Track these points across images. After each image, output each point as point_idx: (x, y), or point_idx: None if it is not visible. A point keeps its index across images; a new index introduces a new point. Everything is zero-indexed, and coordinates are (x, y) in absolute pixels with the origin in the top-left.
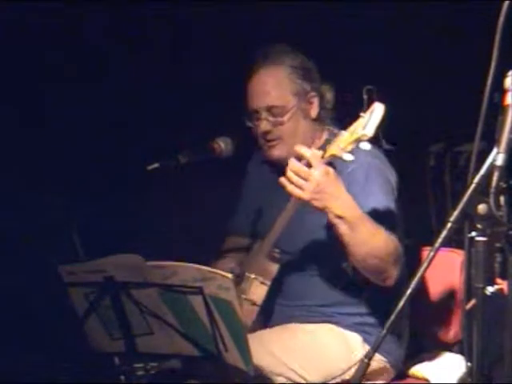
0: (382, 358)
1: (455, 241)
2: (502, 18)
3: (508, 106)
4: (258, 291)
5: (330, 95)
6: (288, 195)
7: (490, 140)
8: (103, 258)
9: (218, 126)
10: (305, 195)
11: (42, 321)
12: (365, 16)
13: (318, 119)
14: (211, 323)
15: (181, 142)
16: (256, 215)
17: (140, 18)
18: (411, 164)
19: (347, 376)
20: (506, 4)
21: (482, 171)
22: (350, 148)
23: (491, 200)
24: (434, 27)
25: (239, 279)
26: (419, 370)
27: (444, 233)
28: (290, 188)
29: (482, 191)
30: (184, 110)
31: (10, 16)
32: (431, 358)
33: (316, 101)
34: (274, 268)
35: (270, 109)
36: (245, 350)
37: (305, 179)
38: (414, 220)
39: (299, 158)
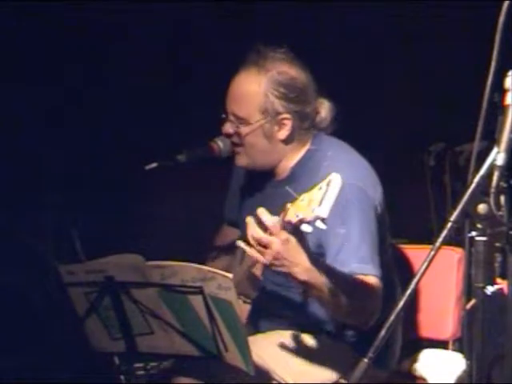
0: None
1: (455, 240)
2: (502, 18)
3: (508, 105)
4: (242, 309)
5: (325, 112)
6: (264, 200)
7: (490, 140)
8: (103, 258)
9: (218, 125)
10: (264, 261)
11: (42, 320)
12: (364, 16)
13: (288, 141)
14: (211, 323)
15: (180, 142)
16: (238, 211)
17: (140, 15)
18: (411, 164)
19: None
20: (506, 4)
21: (482, 171)
22: (307, 220)
23: (491, 200)
24: (433, 27)
25: None
26: (417, 368)
27: (444, 232)
28: (249, 251)
29: (482, 191)
30: (184, 109)
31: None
32: (429, 356)
33: (289, 123)
34: (253, 292)
35: (235, 116)
36: (245, 350)
37: (265, 247)
38: (414, 220)
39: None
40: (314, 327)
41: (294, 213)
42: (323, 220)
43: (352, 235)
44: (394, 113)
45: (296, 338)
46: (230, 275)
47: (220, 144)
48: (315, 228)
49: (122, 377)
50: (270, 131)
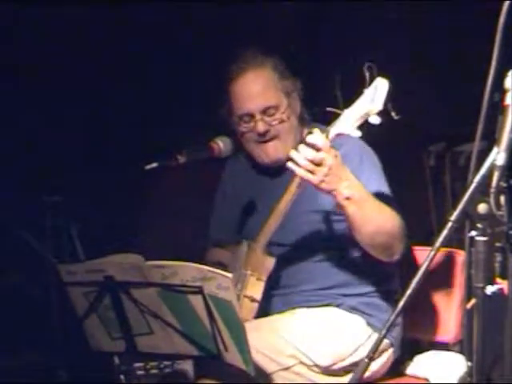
0: (385, 340)
1: (455, 240)
2: (502, 18)
3: (508, 105)
4: (256, 287)
5: (301, 92)
6: (276, 193)
7: (490, 140)
8: (103, 257)
9: (217, 125)
10: (315, 179)
11: (42, 320)
12: (365, 16)
13: (301, 117)
14: (211, 323)
15: (180, 142)
16: (240, 220)
17: (140, 17)
18: (411, 164)
19: (355, 357)
20: (506, 4)
21: (483, 171)
22: (357, 124)
23: (491, 199)
24: (434, 27)
25: None
26: (419, 369)
27: (444, 232)
28: (301, 172)
29: (483, 191)
30: (183, 109)
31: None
32: (431, 357)
33: (298, 98)
34: (271, 263)
35: (265, 110)
36: (245, 350)
37: (318, 164)
38: (414, 220)
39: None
40: (325, 301)
41: (343, 124)
42: (378, 114)
43: (373, 186)
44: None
45: (313, 314)
46: (230, 275)
47: (220, 144)
48: (347, 136)
49: (122, 377)
50: (295, 109)
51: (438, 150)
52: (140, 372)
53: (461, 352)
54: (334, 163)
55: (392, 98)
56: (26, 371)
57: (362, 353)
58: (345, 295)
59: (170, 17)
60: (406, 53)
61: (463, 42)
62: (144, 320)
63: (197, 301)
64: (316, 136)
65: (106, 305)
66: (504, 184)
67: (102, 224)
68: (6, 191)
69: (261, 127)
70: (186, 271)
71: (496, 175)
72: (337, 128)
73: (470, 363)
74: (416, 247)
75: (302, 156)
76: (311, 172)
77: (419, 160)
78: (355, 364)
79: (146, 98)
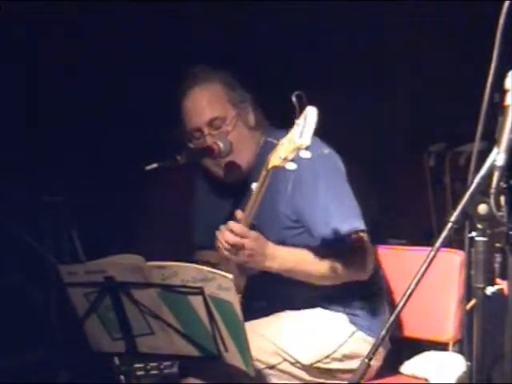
0: (368, 337)
1: (455, 241)
2: (502, 18)
3: (508, 106)
4: None
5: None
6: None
7: (490, 140)
8: (103, 258)
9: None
10: (240, 260)
11: (42, 321)
12: (364, 16)
13: (256, 127)
14: (211, 323)
15: (180, 142)
16: (211, 229)
17: (140, 17)
18: (411, 164)
19: (338, 354)
20: (506, 4)
21: (483, 171)
22: (291, 157)
23: (491, 200)
24: (434, 27)
25: None
26: (418, 369)
27: (444, 233)
28: (226, 253)
29: (483, 191)
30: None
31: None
32: (430, 357)
33: (250, 108)
34: (242, 280)
35: (211, 122)
36: (245, 351)
37: (239, 248)
38: (413, 220)
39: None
40: (306, 303)
41: (276, 157)
42: (307, 148)
43: (330, 206)
44: (394, 113)
45: (293, 314)
46: (230, 276)
47: (220, 144)
48: (299, 160)
49: (122, 377)
50: (245, 119)
51: (438, 150)
52: (140, 372)
53: (460, 352)
54: (255, 246)
55: (322, 128)
56: (26, 371)
57: (345, 350)
58: (327, 299)
59: (170, 17)
60: (406, 53)
61: (463, 41)
62: (144, 321)
63: (197, 301)
64: (232, 224)
65: (107, 305)
66: (504, 185)
67: (102, 224)
68: (6, 191)
69: (208, 142)
70: (186, 272)
71: (496, 176)
72: (271, 162)
73: (469, 363)
74: (416, 247)
75: (223, 239)
76: (234, 254)
77: (419, 160)
78: (337, 359)
79: (146, 99)
